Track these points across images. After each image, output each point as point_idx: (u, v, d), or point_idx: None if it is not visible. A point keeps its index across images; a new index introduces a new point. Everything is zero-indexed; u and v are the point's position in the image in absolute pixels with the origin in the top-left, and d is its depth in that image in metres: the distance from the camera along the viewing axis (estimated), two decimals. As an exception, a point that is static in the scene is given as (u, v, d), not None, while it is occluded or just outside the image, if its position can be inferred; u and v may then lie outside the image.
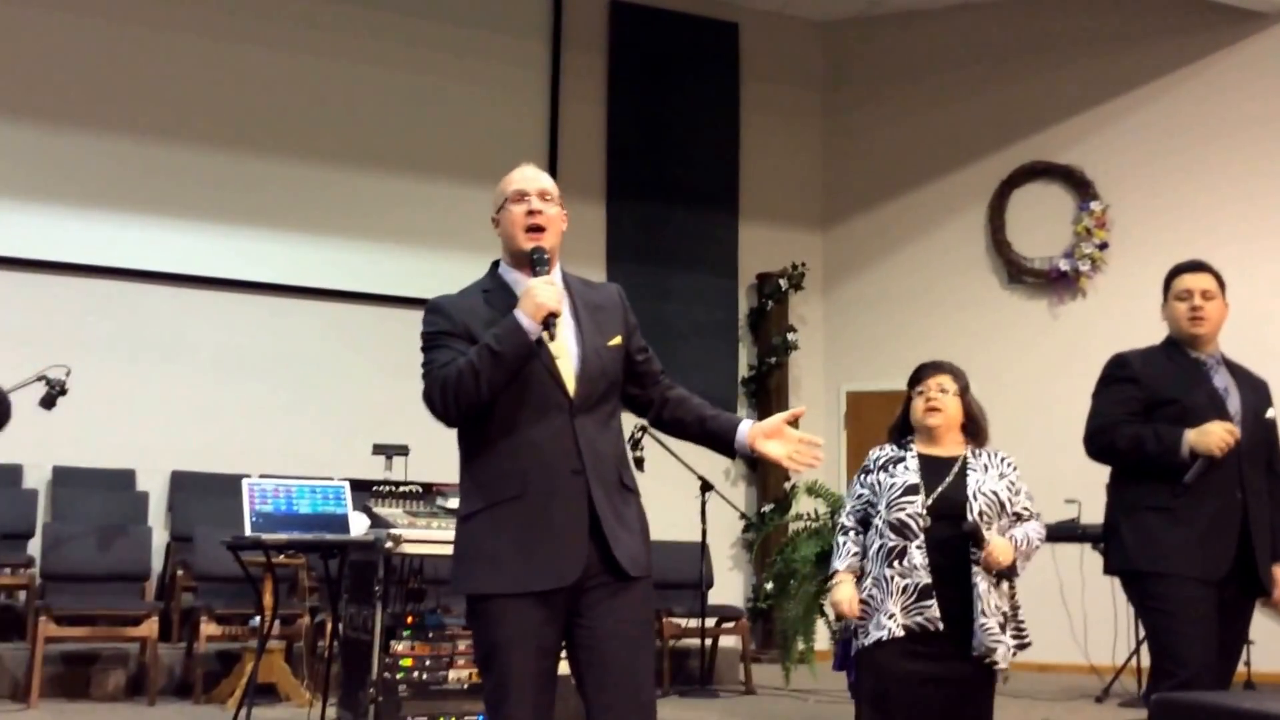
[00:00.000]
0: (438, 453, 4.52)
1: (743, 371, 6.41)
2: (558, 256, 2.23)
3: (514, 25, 6.03)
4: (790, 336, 6.32)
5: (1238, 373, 2.78)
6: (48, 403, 4.05)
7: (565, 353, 2.13)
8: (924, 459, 2.63)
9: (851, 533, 2.70)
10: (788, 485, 5.74)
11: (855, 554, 2.66)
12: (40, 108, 5.17)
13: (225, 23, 5.49)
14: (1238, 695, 2.66)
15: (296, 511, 3.45)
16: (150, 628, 4.09)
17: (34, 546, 4.64)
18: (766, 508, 5.94)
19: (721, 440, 2.21)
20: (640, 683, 2.07)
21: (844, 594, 2.62)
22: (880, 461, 2.68)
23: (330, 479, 3.57)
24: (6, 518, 4.61)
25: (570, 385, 2.11)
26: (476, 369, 2.05)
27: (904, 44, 6.59)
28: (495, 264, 2.25)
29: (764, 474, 6.15)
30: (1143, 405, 2.70)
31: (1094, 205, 6.07)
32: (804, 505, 5.01)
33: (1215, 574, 2.63)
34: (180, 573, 4.73)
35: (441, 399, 2.06)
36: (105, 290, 5.21)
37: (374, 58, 5.72)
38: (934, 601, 2.49)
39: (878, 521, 2.61)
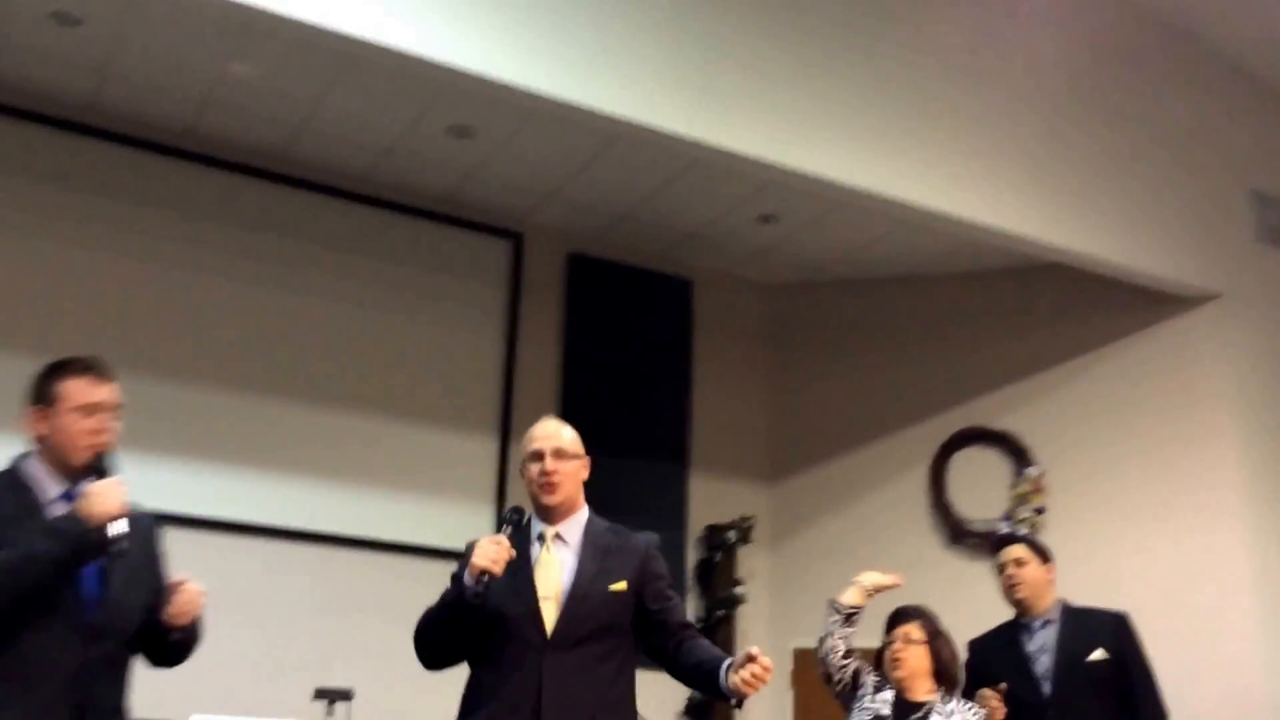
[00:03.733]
0: (385, 698, 4.39)
1: (689, 624, 6.32)
2: (580, 504, 2.35)
3: (474, 270, 6.18)
4: (738, 590, 6.29)
5: (1075, 622, 2.97)
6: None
7: (554, 593, 2.18)
8: (898, 701, 2.83)
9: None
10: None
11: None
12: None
13: (172, 252, 5.44)
14: None
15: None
16: None
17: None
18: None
19: (711, 681, 2.25)
20: None
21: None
22: (875, 682, 2.91)
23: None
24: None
25: (549, 624, 2.16)
26: (431, 618, 2.14)
27: (848, 310, 6.90)
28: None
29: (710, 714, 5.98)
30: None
31: (1030, 471, 6.25)
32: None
33: None
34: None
35: (414, 641, 2.12)
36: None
37: (327, 294, 5.75)
38: None
39: None
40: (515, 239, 6.29)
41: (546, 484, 2.35)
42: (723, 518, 6.42)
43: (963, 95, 5.47)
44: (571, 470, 2.37)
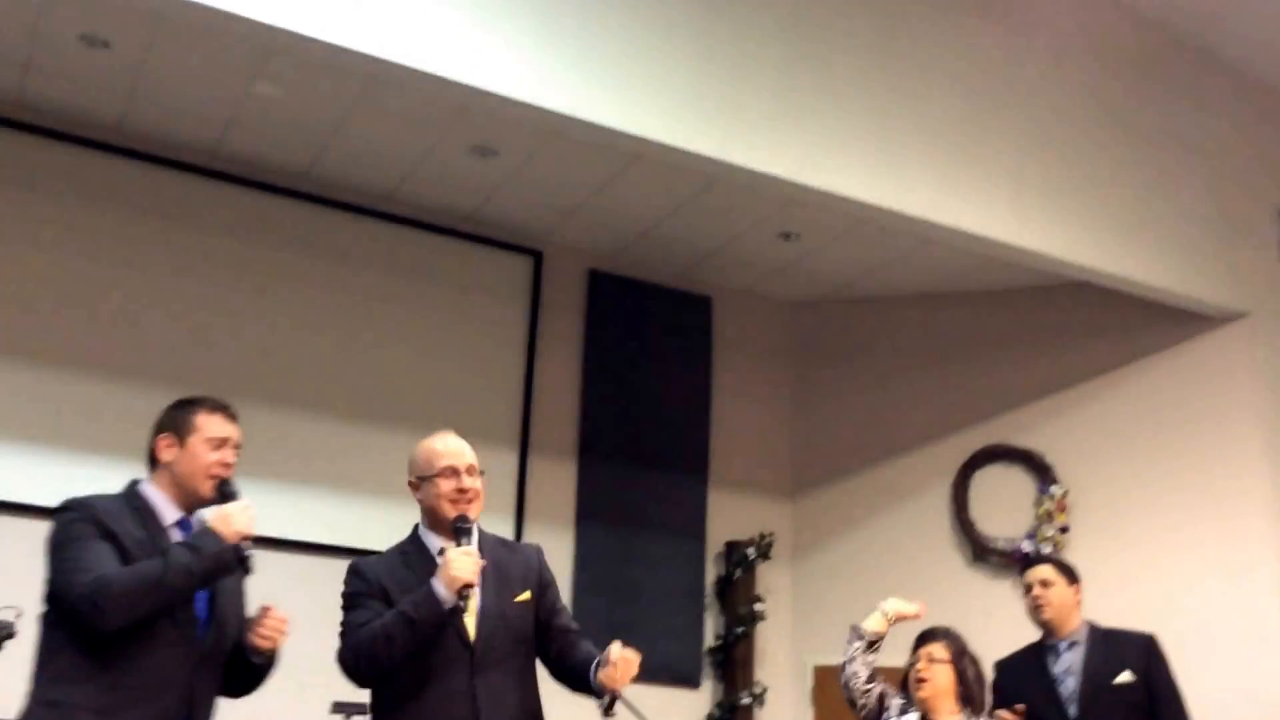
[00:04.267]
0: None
1: (709, 641, 6.31)
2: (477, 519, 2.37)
3: (496, 288, 6.22)
4: (758, 607, 6.28)
5: (1102, 643, 2.99)
6: (-8, 646, 3.91)
7: (471, 607, 2.23)
8: None
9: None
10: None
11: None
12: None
13: (197, 270, 5.47)
14: None
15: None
16: None
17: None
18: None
19: (585, 681, 2.31)
20: None
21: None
22: (900, 704, 2.90)
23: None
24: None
25: (473, 638, 2.21)
26: (391, 635, 2.18)
27: (869, 327, 6.90)
28: (417, 526, 2.42)
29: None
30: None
31: (1054, 489, 6.21)
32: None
33: None
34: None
35: (354, 662, 2.18)
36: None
37: (350, 311, 5.78)
38: None
39: None
40: (536, 256, 6.33)
41: (469, 500, 2.39)
42: (743, 534, 6.42)
43: (986, 113, 5.47)
44: (481, 488, 2.43)
